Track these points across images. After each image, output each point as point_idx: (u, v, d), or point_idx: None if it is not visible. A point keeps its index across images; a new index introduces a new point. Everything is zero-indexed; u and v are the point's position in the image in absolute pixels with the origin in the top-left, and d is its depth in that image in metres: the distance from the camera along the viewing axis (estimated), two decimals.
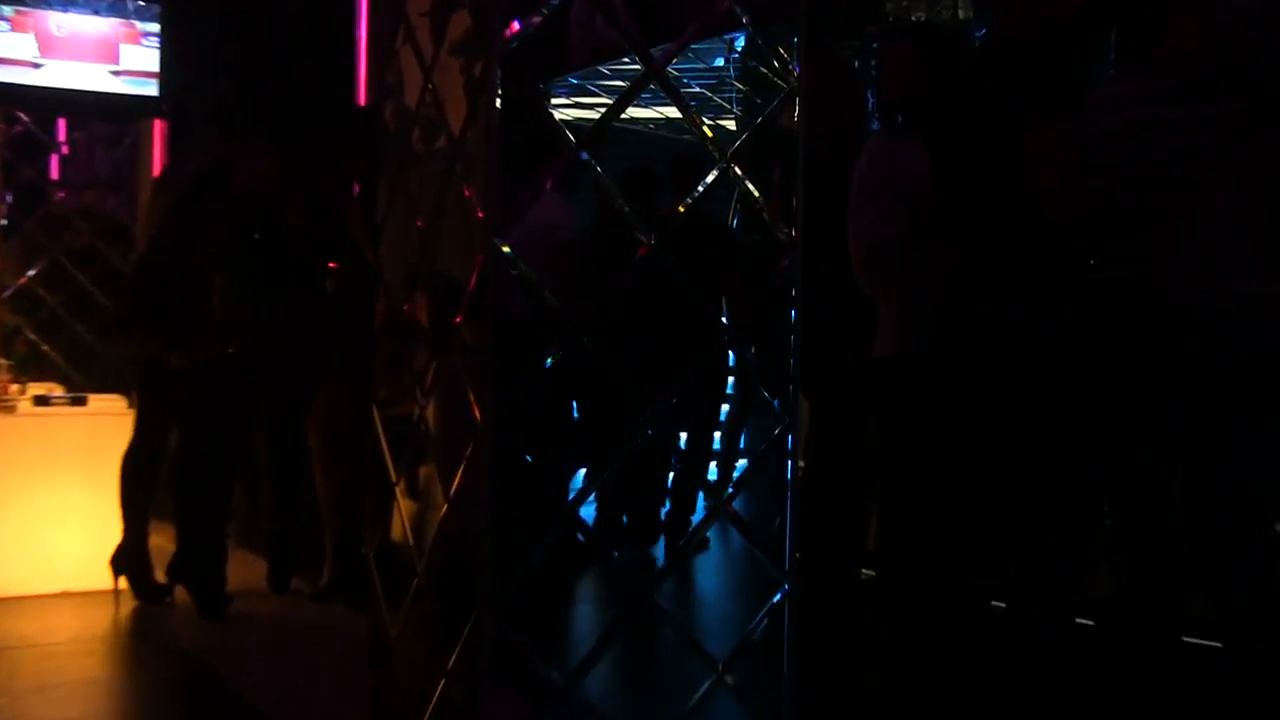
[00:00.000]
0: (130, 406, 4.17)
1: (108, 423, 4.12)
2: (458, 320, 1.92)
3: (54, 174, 5.25)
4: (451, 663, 1.90)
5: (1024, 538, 2.82)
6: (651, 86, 1.95)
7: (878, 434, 3.19)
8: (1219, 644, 2.70)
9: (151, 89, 4.53)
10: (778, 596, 2.01)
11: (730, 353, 2.01)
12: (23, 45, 4.31)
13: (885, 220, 3.00)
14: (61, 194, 5.06)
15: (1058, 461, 2.78)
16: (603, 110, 1.85)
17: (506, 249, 1.77)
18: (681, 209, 2.02)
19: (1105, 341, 2.74)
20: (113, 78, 4.47)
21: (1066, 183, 2.66)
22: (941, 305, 2.89)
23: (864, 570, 3.45)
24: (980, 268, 2.81)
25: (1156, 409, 2.75)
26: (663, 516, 5.17)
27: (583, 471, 5.17)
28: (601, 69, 7.75)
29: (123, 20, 4.47)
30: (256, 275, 4.01)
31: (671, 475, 5.33)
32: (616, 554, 4.74)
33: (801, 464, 3.27)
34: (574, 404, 4.96)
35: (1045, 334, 2.74)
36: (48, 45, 4.35)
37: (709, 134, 1.99)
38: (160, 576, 3.98)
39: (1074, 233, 2.74)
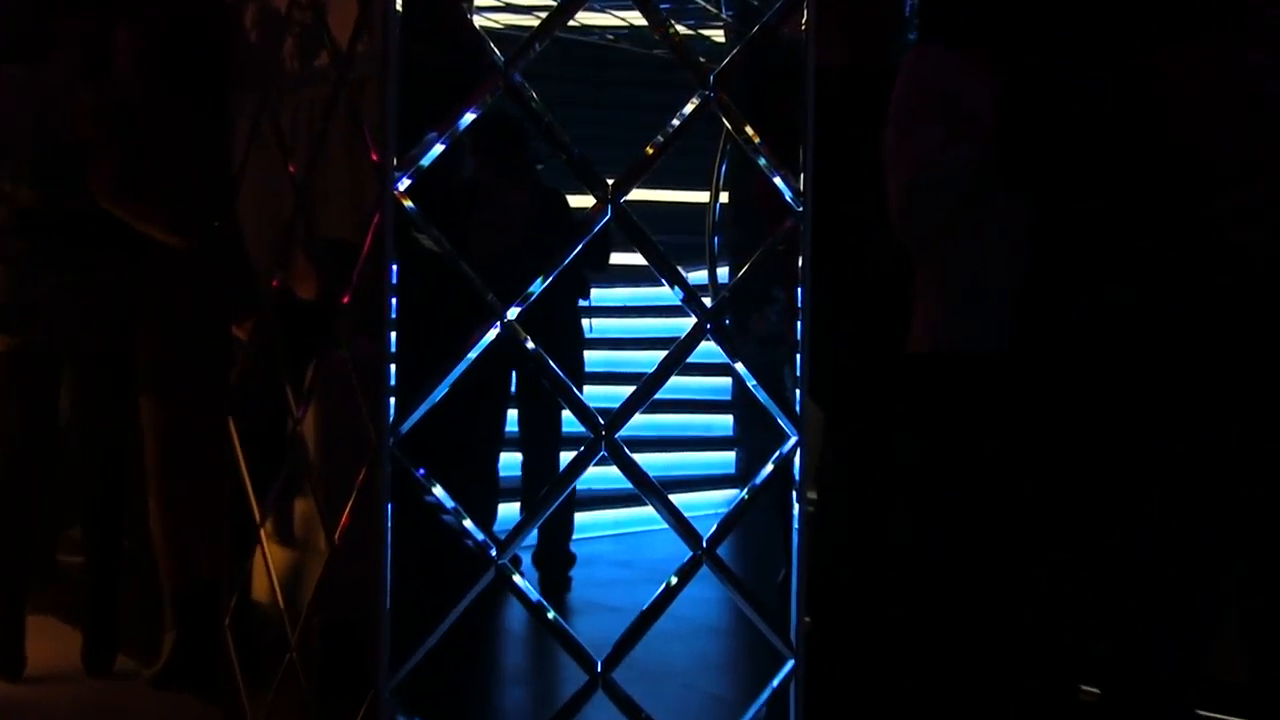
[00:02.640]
0: None
1: None
2: (345, 300, 1.93)
3: None
4: None
5: (1128, 604, 2.83)
6: None
7: (914, 457, 3.21)
8: None
9: None
10: (781, 676, 2.03)
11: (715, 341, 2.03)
12: None
13: (946, 147, 2.95)
14: None
15: (1170, 504, 2.79)
16: (542, 17, 1.86)
17: (410, 203, 1.78)
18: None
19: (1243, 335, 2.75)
20: None
21: (1224, 120, 2.57)
22: (1019, 286, 2.85)
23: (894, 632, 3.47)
24: (1080, 235, 2.78)
25: None
26: None
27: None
28: None
29: None
30: (53, 231, 3.97)
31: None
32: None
33: (812, 496, 3.29)
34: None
35: (1173, 325, 2.70)
36: None
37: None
38: None
39: (1232, 191, 2.69)
